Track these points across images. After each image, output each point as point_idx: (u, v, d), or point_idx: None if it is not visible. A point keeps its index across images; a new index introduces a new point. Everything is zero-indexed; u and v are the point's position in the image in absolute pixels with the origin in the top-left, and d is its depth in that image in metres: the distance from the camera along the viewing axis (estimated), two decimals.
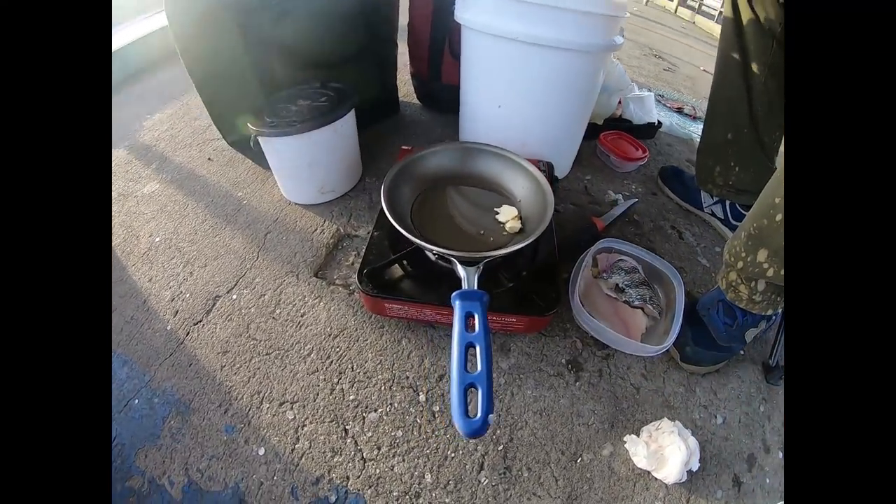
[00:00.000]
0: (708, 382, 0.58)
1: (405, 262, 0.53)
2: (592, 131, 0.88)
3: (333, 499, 0.46)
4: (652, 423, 0.50)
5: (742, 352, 0.61)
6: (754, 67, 0.65)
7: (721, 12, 4.64)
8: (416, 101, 1.07)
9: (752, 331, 0.57)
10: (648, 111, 0.95)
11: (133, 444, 0.51)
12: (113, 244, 0.75)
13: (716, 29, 4.38)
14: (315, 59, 0.75)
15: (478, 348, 0.37)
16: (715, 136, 0.73)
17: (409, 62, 0.99)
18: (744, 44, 0.64)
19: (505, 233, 0.54)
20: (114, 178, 0.90)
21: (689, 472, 0.48)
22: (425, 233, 0.53)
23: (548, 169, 0.67)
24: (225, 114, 0.81)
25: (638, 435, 0.50)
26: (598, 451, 0.49)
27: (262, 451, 0.49)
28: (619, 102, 0.95)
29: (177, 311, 0.62)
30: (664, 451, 0.48)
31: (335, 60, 0.77)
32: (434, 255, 0.47)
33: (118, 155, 0.99)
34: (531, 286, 0.52)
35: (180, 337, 0.59)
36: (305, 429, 0.51)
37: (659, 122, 0.99)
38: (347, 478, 0.47)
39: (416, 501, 0.46)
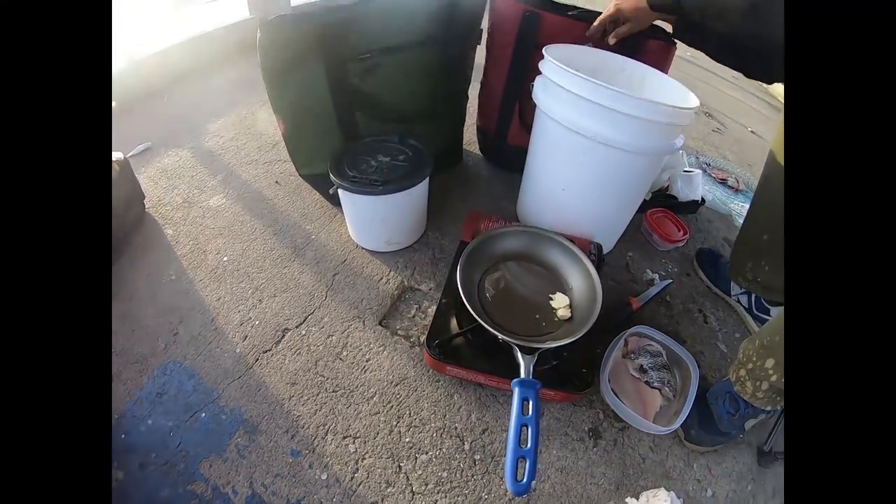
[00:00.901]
0: (705, 459, 0.75)
1: (471, 334, 0.70)
2: (640, 206, 1.04)
3: None
4: (651, 490, 0.67)
5: (741, 436, 0.78)
6: None
7: None
8: (477, 151, 1.24)
9: (752, 421, 0.73)
10: (695, 189, 1.11)
11: (198, 454, 0.66)
12: (179, 255, 0.92)
13: None
14: (396, 114, 0.92)
15: (529, 429, 0.54)
16: (752, 232, 0.86)
17: (476, 114, 1.16)
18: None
19: (556, 319, 0.71)
20: (179, 182, 1.08)
21: None
22: (489, 309, 0.70)
23: (597, 251, 0.84)
24: (302, 149, 0.97)
25: (637, 499, 0.67)
26: None
27: (324, 476, 0.66)
28: (669, 178, 1.12)
29: (246, 336, 0.79)
30: None
31: (414, 116, 0.94)
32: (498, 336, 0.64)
33: (182, 155, 1.16)
34: (570, 366, 0.69)
35: (249, 362, 0.76)
36: (364, 461, 0.68)
37: (703, 199, 1.16)
38: None
39: None
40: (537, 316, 0.71)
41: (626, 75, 0.95)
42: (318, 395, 0.73)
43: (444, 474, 0.67)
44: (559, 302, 0.72)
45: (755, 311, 0.93)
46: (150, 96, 1.39)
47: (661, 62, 0.99)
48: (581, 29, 0.94)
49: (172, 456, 0.66)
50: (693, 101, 0.80)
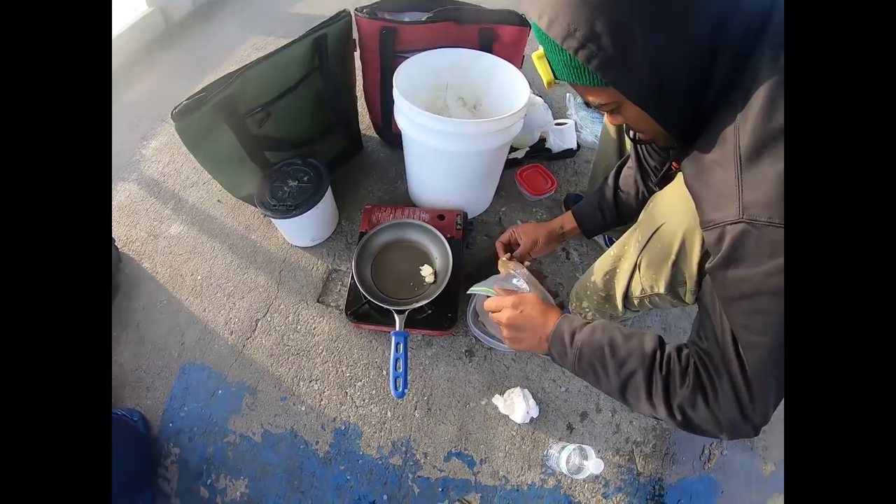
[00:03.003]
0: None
1: (370, 304, 1.25)
2: (515, 163, 1.50)
3: (343, 428, 1.22)
4: (511, 389, 1.23)
5: None
6: (628, 146, 1.19)
7: None
8: (375, 134, 1.69)
9: None
10: (568, 139, 1.54)
11: (224, 417, 1.22)
12: (162, 281, 1.45)
13: None
14: (296, 142, 1.37)
15: (401, 360, 1.09)
16: (594, 189, 1.34)
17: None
18: (620, 127, 1.17)
19: (425, 283, 1.23)
20: (138, 218, 1.58)
21: (532, 419, 1.21)
22: (379, 284, 1.24)
23: (463, 220, 1.34)
24: (231, 184, 1.45)
25: (502, 395, 1.24)
26: (479, 402, 1.24)
27: (303, 409, 1.24)
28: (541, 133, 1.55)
29: (232, 332, 1.35)
30: (514, 404, 1.21)
31: (311, 138, 1.39)
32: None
33: (131, 189, 1.65)
34: (440, 312, 1.23)
35: (239, 348, 1.33)
36: (325, 393, 1.26)
37: (578, 146, 1.59)
38: (349, 417, 1.23)
39: (383, 426, 1.22)
40: (411, 283, 1.23)
41: (480, 68, 1.35)
42: (288, 358, 1.30)
43: (373, 392, 1.25)
44: (426, 271, 1.23)
45: (608, 245, 1.42)
46: None
47: (517, 44, 1.39)
48: (436, 30, 1.34)
49: (207, 424, 1.21)
50: (520, 102, 1.17)
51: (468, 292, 1.08)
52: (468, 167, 1.29)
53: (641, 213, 0.92)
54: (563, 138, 1.56)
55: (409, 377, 1.10)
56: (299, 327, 1.34)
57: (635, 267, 0.91)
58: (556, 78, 0.69)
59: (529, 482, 1.18)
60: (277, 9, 2.49)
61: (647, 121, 0.67)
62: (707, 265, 0.62)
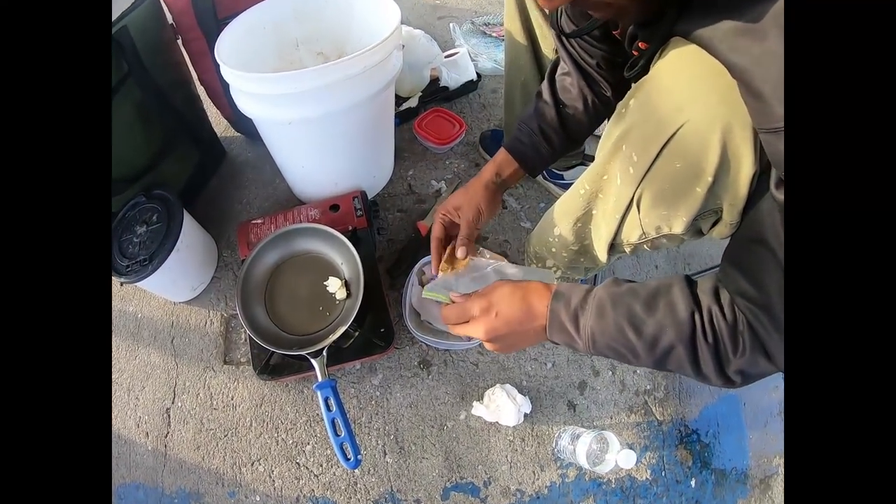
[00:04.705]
0: None
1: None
2: (410, 114, 1.20)
3: None
4: (489, 390, 0.96)
5: None
6: (543, 49, 0.93)
7: None
8: (235, 132, 1.36)
9: None
10: (465, 70, 1.24)
11: None
12: None
13: None
14: (128, 175, 1.03)
15: (338, 420, 0.82)
16: (511, 115, 1.04)
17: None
18: (531, 28, 0.91)
19: (337, 301, 0.93)
20: None
21: (525, 415, 0.96)
22: (284, 323, 0.95)
23: (362, 202, 1.04)
24: None
25: (481, 400, 0.98)
26: (457, 418, 0.97)
27: (257, 498, 0.97)
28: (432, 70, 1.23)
29: (147, 433, 1.07)
30: (499, 407, 0.95)
31: (147, 165, 1.06)
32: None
33: None
34: (370, 329, 0.95)
35: (161, 450, 1.03)
36: (274, 472, 1.00)
37: (479, 75, 1.30)
38: (313, 490, 0.98)
39: (356, 488, 0.96)
40: (321, 307, 0.93)
41: (332, 6, 1.04)
42: (217, 444, 1.03)
43: (328, 452, 0.98)
44: (334, 285, 0.93)
45: (551, 179, 1.14)
46: None
47: None
48: None
49: None
50: (390, 26, 0.87)
51: (423, 296, 0.81)
52: (346, 132, 0.97)
53: (616, 119, 0.62)
54: (458, 71, 1.27)
55: (355, 437, 0.83)
56: (215, 402, 1.06)
57: (631, 204, 0.62)
58: None
59: (548, 483, 0.98)
60: None
61: None
62: (777, 190, 0.44)
